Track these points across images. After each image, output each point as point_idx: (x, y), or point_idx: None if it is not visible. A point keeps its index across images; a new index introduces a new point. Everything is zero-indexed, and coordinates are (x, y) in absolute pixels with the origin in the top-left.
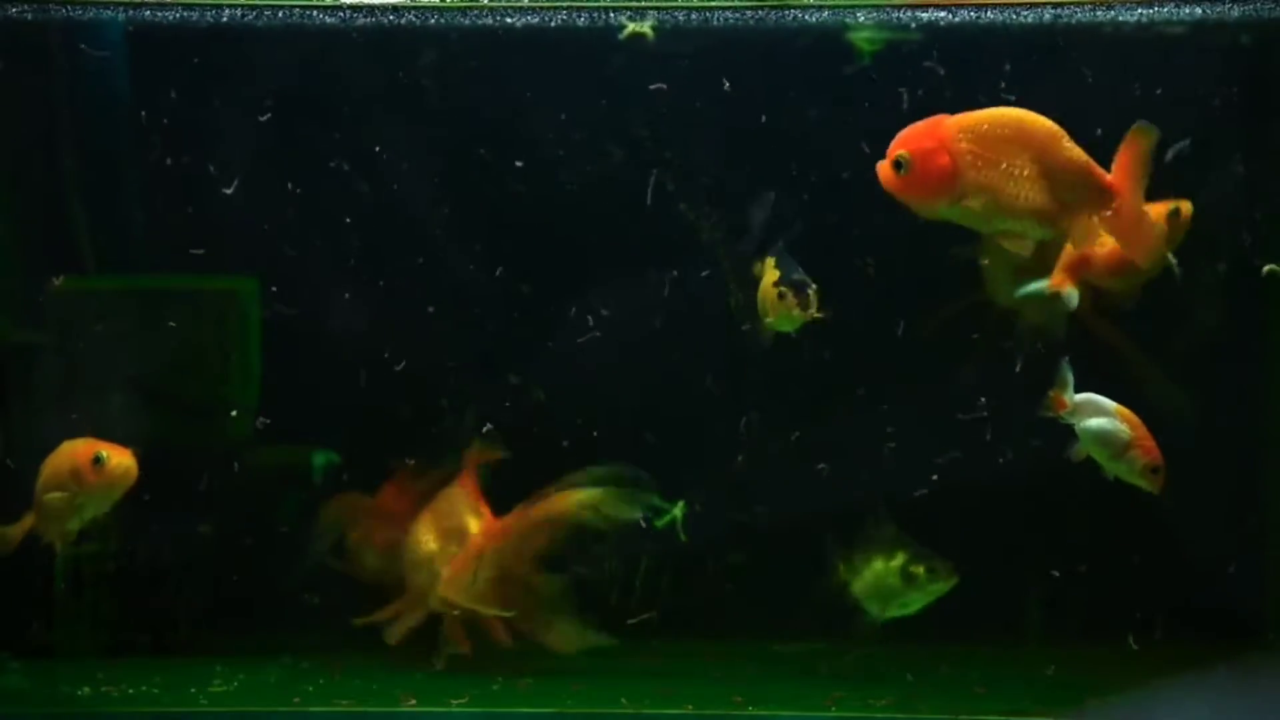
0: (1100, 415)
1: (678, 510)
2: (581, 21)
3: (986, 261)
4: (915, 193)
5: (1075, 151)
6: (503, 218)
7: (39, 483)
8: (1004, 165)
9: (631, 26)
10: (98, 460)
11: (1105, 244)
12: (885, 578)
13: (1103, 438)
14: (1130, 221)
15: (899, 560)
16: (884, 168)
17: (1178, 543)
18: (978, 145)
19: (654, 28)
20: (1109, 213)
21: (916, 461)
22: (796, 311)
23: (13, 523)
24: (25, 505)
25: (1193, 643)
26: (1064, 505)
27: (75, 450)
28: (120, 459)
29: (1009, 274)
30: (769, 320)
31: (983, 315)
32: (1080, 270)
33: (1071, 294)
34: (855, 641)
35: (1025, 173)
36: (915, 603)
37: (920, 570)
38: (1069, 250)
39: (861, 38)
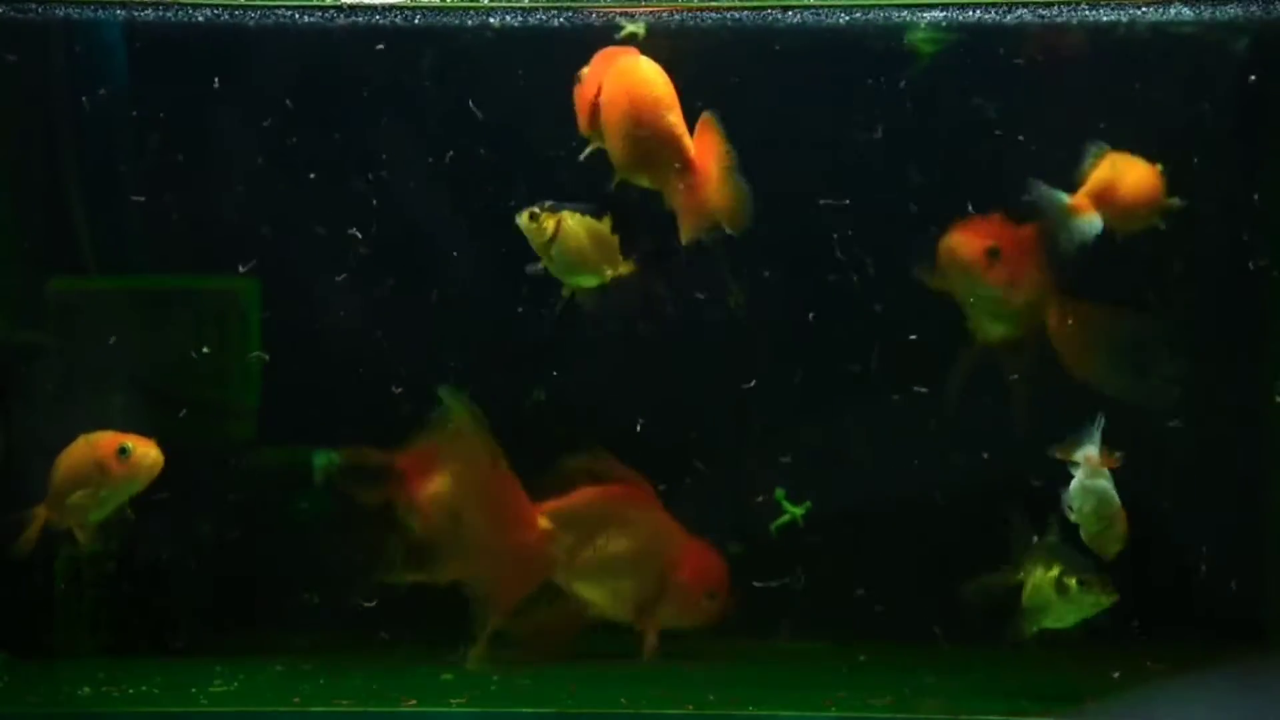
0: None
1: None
2: (557, 22)
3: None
4: (578, 107)
5: (669, 121)
6: (502, 217)
7: (56, 477)
8: (617, 113)
9: (629, 27)
10: (123, 451)
11: (1126, 180)
12: (1042, 587)
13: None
14: (700, 191)
15: (1055, 571)
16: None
17: (1177, 543)
18: (607, 89)
19: (647, 27)
20: (688, 181)
21: (916, 463)
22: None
23: (17, 520)
24: (27, 503)
25: (1193, 643)
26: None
27: (98, 442)
28: (145, 449)
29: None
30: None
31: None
32: (1104, 199)
33: (1094, 220)
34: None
35: (624, 128)
36: (1070, 616)
37: (1072, 583)
38: (1096, 176)
39: (920, 38)
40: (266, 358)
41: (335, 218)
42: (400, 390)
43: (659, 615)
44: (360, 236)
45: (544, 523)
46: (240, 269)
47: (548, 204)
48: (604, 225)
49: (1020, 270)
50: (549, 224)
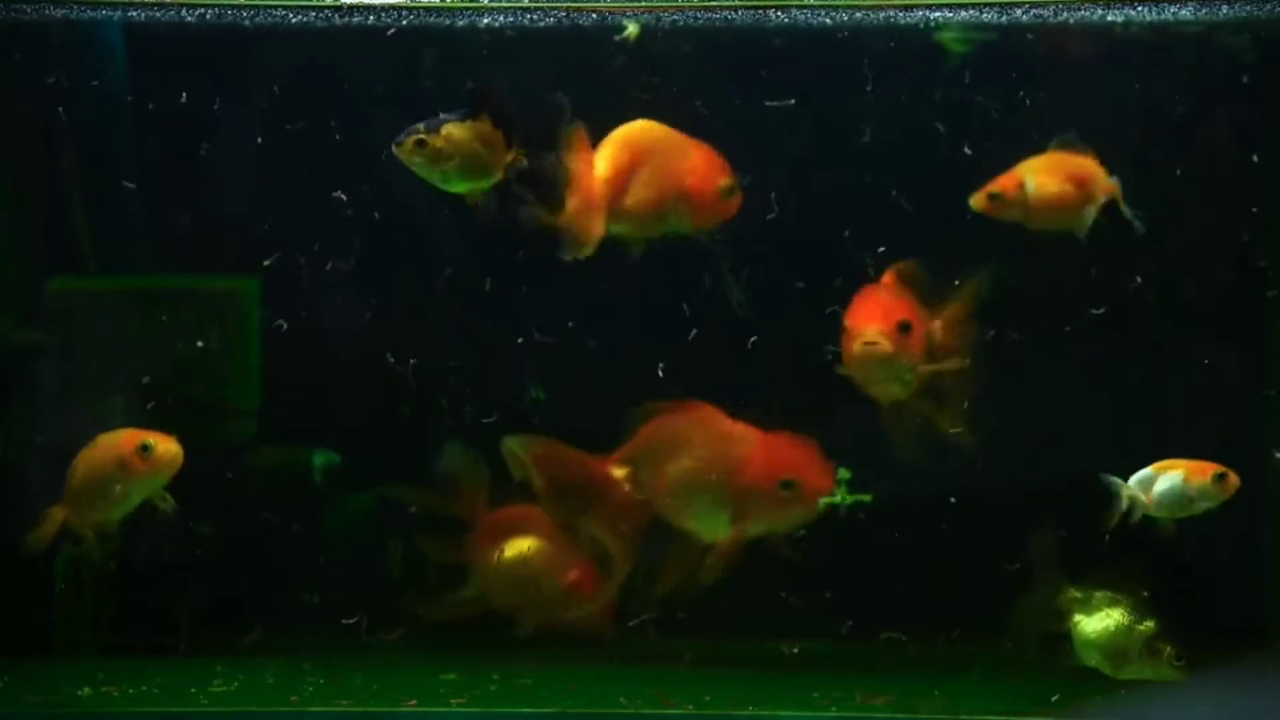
0: (1158, 483)
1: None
2: (544, 23)
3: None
4: None
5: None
6: (503, 217)
7: (75, 476)
8: None
9: (631, 29)
10: (145, 449)
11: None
12: (1121, 636)
13: (1175, 497)
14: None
15: (1147, 627)
16: None
17: (1177, 543)
18: None
19: (641, 26)
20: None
21: (916, 462)
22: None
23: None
24: (27, 502)
25: (1193, 643)
26: (1065, 506)
27: (118, 440)
28: (167, 445)
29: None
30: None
31: None
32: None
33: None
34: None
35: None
36: (1134, 671)
37: (1168, 649)
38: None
39: (949, 38)
40: (285, 325)
41: (336, 217)
42: (400, 390)
43: (745, 523)
44: (360, 236)
45: (619, 471)
46: (265, 262)
47: (421, 126)
48: (483, 124)
49: (922, 323)
50: (440, 143)
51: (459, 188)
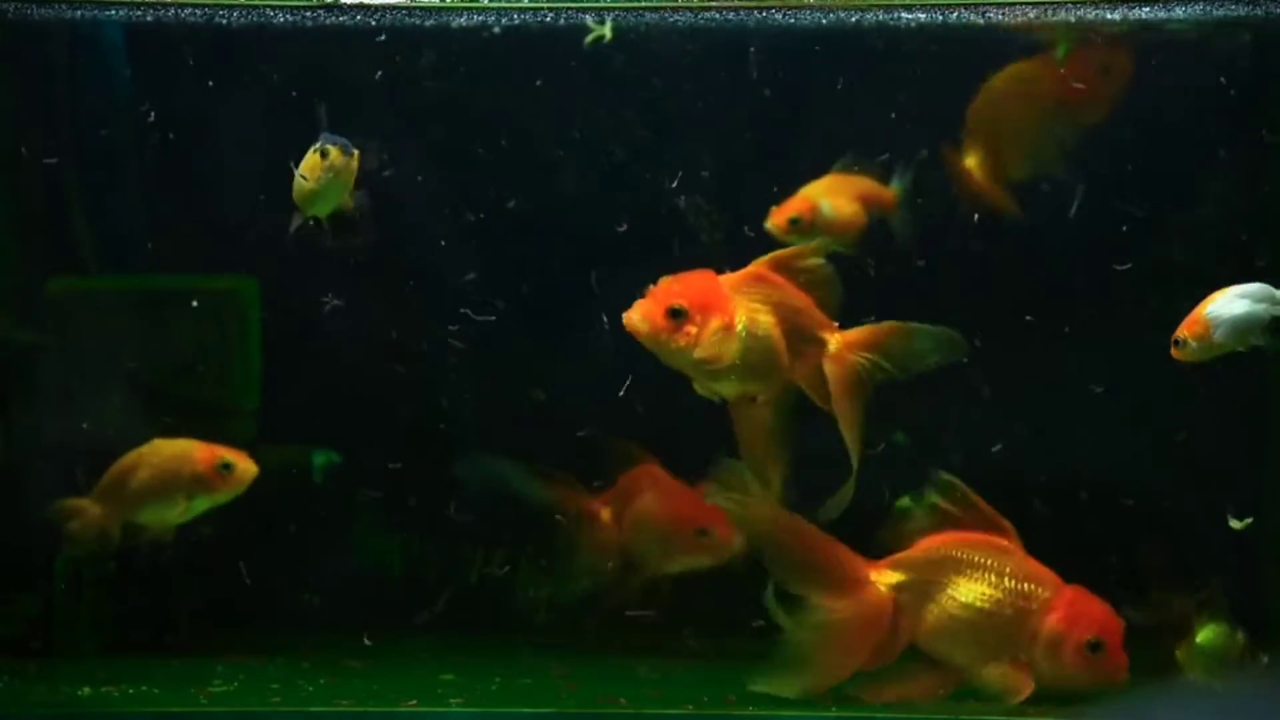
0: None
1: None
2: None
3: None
4: None
5: None
6: (503, 217)
7: (135, 477)
8: None
9: (604, 31)
10: (227, 467)
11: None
12: (1227, 644)
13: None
14: None
15: (1241, 633)
16: None
17: (1177, 542)
18: None
19: (614, 28)
20: None
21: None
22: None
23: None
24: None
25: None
26: (1063, 505)
27: (192, 454)
28: (246, 465)
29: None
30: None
31: None
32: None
33: None
34: None
35: None
36: (1233, 678)
37: (1264, 659)
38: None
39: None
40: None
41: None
42: (400, 391)
43: (1031, 672)
44: (360, 235)
45: (891, 576)
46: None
47: (327, 140)
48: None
49: (722, 314)
50: (339, 160)
51: (319, 209)
